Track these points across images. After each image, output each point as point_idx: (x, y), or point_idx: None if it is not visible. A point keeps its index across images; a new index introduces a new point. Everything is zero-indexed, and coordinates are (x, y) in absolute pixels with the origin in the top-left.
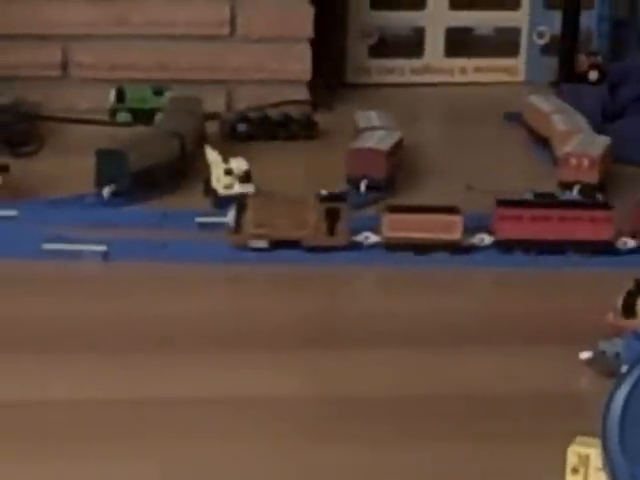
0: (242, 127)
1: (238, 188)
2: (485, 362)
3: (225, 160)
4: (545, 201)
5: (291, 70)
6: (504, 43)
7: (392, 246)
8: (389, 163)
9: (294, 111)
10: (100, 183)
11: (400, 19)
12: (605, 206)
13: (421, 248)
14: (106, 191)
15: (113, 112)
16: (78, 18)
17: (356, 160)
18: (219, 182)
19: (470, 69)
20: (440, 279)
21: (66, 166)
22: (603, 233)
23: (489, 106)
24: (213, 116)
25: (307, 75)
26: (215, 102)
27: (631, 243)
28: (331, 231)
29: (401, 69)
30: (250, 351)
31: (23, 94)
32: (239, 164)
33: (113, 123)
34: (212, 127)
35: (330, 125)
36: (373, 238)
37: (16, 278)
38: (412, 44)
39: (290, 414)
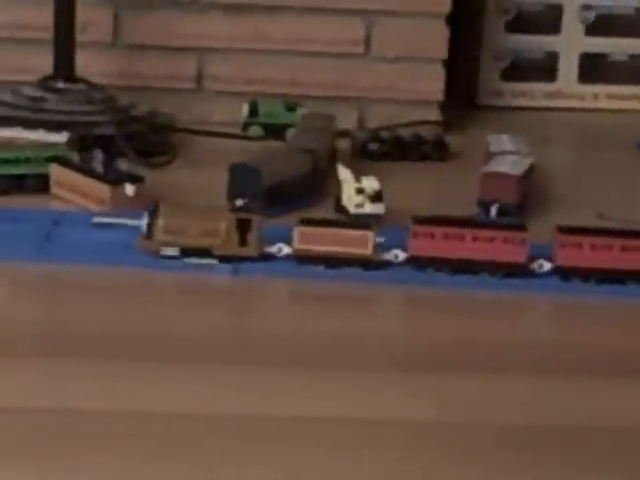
0: (373, 146)
1: (369, 207)
2: (617, 393)
3: (357, 178)
4: (459, 220)
5: (423, 90)
6: (638, 71)
7: (302, 259)
8: (521, 188)
9: (425, 132)
10: (233, 197)
11: (534, 43)
12: (520, 227)
13: (332, 262)
14: (238, 205)
15: (245, 126)
16: (215, 31)
17: (488, 184)
18: (350, 200)
19: (603, 96)
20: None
21: (198, 178)
22: (517, 255)
23: (621, 134)
24: (344, 134)
25: (439, 96)
26: (346, 120)
27: (547, 266)
28: (242, 241)
29: (533, 93)
30: (375, 371)
31: (157, 105)
32: (371, 183)
33: (245, 137)
34: (343, 145)
35: (461, 147)
36: (286, 250)
37: (147, 289)
38: (545, 68)
39: (419, 437)
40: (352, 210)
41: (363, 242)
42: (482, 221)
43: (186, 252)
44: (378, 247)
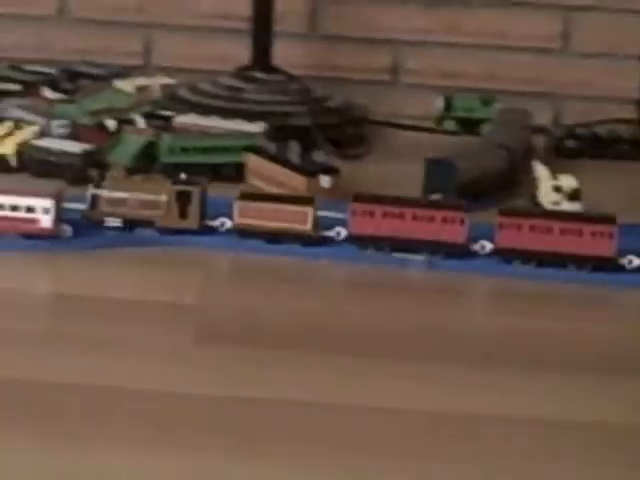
0: (570, 143)
1: (566, 205)
2: None
3: (554, 176)
4: (399, 198)
5: (621, 87)
6: None
7: (242, 233)
8: None
9: (623, 130)
10: (428, 191)
11: None
12: (459, 207)
13: (272, 237)
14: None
15: (439, 120)
16: (411, 24)
17: None
18: (546, 198)
19: None
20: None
21: (391, 171)
22: (456, 235)
23: None
24: (539, 130)
25: (637, 93)
26: (542, 116)
27: (489, 246)
28: (182, 214)
29: None
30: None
31: (352, 97)
32: (568, 181)
33: (439, 131)
34: (538, 141)
35: None
36: (229, 224)
37: (341, 282)
38: None
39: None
40: (548, 208)
41: (302, 218)
42: (422, 200)
43: (128, 223)
44: (318, 223)
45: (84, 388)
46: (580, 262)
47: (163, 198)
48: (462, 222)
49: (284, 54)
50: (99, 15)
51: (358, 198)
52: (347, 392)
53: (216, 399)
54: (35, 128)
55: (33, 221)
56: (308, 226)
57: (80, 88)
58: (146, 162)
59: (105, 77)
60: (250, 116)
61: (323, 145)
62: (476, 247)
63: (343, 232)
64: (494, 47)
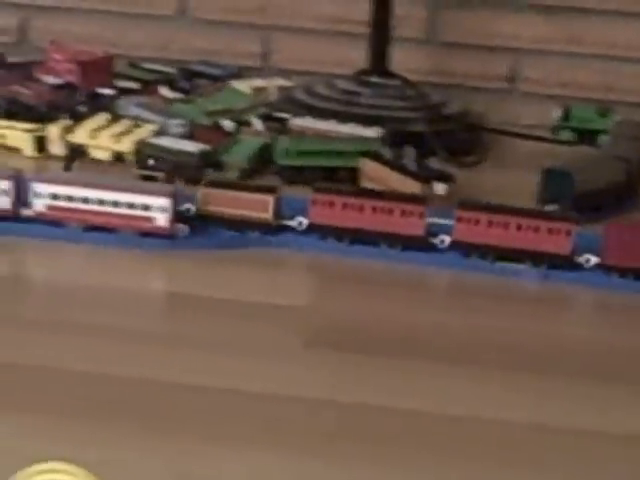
0: None
1: None
2: None
3: None
4: (359, 190)
5: None
6: None
7: (205, 219)
8: None
9: None
10: (544, 201)
11: None
12: (418, 200)
13: (233, 225)
14: (548, 210)
15: (556, 130)
16: (530, 32)
17: None
18: None
19: None
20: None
21: (506, 179)
22: (415, 228)
23: None
24: None
25: None
26: None
27: (447, 240)
28: None
29: None
30: None
31: (469, 104)
32: None
33: (555, 141)
34: None
35: None
36: (193, 210)
37: (465, 290)
38: None
39: None
40: None
41: (264, 206)
42: (381, 192)
43: None
44: (279, 211)
45: (195, 388)
46: (536, 259)
47: None
48: (421, 215)
49: (401, 59)
50: (219, 16)
51: (318, 189)
52: (455, 402)
53: (321, 403)
54: (153, 127)
55: (149, 219)
56: (268, 214)
57: (197, 88)
58: (262, 164)
59: (222, 77)
60: (366, 121)
61: (439, 152)
62: (436, 241)
63: (305, 222)
64: (613, 58)
